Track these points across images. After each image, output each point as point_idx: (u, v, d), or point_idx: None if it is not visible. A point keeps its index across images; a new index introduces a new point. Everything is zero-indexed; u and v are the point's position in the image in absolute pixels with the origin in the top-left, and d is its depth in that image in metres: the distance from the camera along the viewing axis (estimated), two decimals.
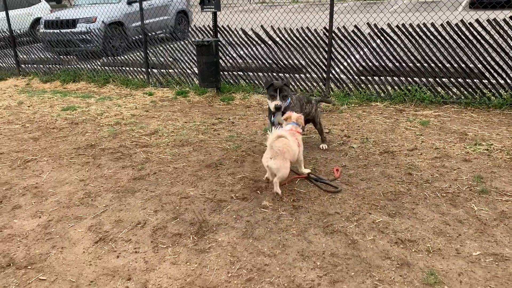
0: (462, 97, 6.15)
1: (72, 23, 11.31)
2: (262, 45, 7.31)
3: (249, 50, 7.39)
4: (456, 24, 5.94)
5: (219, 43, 7.43)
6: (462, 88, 6.13)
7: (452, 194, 3.58)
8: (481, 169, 4.03)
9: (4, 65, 10.23)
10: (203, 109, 6.61)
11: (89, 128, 5.77)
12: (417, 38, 6.21)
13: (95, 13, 11.26)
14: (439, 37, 6.10)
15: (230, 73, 7.70)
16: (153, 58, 8.37)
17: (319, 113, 4.85)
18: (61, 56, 9.76)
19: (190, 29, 7.84)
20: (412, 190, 3.67)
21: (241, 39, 7.43)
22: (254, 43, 7.35)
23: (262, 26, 7.20)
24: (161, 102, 7.14)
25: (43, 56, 9.80)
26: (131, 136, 5.36)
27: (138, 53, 8.75)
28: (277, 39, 7.13)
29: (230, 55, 7.57)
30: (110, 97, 7.55)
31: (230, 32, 7.46)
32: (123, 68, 8.87)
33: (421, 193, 3.61)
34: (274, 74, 7.33)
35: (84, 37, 10.62)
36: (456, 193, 3.59)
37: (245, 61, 7.50)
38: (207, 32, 7.65)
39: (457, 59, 6.05)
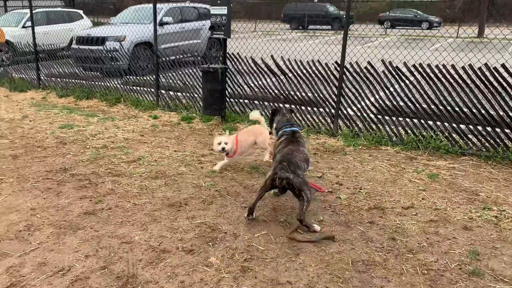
0: (483, 149, 5.45)
1: (102, 40, 11.43)
2: (271, 75, 6.93)
3: (258, 79, 7.02)
4: (480, 68, 5.32)
5: (228, 70, 7.12)
6: (482, 139, 5.44)
7: (436, 271, 2.96)
8: (482, 241, 3.37)
9: (27, 77, 10.39)
10: (200, 138, 6.26)
11: (73, 150, 5.53)
12: (435, 79, 5.62)
13: (125, 32, 11.33)
14: (460, 81, 5.48)
15: (238, 102, 7.34)
16: (162, 80, 8.16)
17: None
18: (77, 71, 9.76)
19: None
20: (389, 261, 3.08)
21: (250, 68, 7.08)
22: (263, 72, 6.98)
23: (272, 56, 6.83)
24: (162, 127, 6.86)
25: (61, 71, 9.86)
26: (110, 162, 5.06)
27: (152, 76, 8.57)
28: (287, 70, 6.73)
29: (238, 83, 7.23)
30: (113, 118, 7.36)
31: (240, 60, 7.14)
32: (135, 88, 8.72)
33: (399, 267, 3.02)
34: (281, 104, 6.89)
35: (111, 55, 10.63)
36: (441, 270, 2.97)
37: (253, 90, 7.13)
38: (218, 59, 7.37)
39: (479, 106, 5.40)
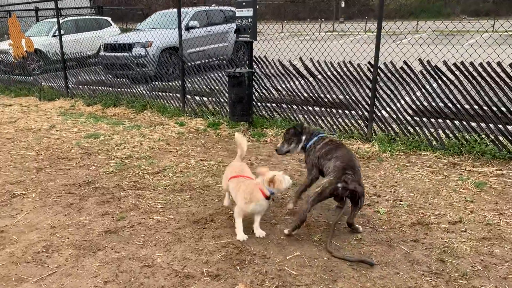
0: None
1: (129, 47, 11.38)
2: (300, 78, 6.62)
3: (286, 82, 6.72)
4: None
5: (254, 74, 6.85)
6: None
7: None
8: None
9: (56, 85, 10.45)
10: (228, 145, 6.01)
11: (97, 161, 5.39)
12: (479, 78, 5.17)
13: (152, 37, 11.25)
14: (507, 79, 5.02)
15: (265, 106, 7.06)
16: (188, 85, 7.97)
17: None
18: (104, 79, 9.71)
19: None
20: None
21: (277, 71, 6.79)
22: (292, 75, 6.67)
23: (300, 58, 6.52)
24: (188, 134, 6.66)
25: (88, 78, 9.86)
26: (134, 174, 4.87)
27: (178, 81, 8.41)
28: (316, 72, 6.40)
29: (265, 87, 6.95)
30: (139, 126, 7.22)
31: (267, 63, 6.86)
32: (161, 94, 8.58)
33: None
34: (310, 108, 6.58)
35: (138, 61, 10.57)
36: None
37: (281, 94, 6.84)
38: (245, 62, 7.11)
39: None
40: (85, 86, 9.86)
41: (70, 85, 10.11)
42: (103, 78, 9.79)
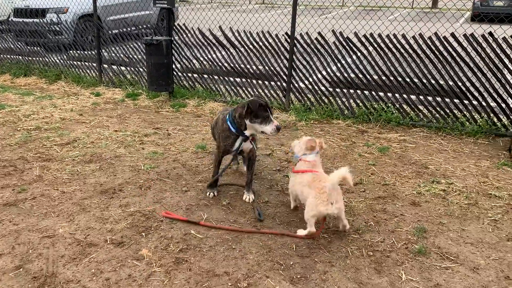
0: (433, 120, 5.40)
1: (42, 12, 10.57)
2: (220, 48, 6.57)
3: (207, 52, 6.65)
4: (430, 38, 5.20)
5: (174, 43, 6.69)
6: (433, 110, 5.38)
7: (381, 253, 2.83)
8: (429, 217, 3.28)
9: None
10: (145, 116, 5.88)
11: (1, 133, 5.04)
12: (386, 50, 5.47)
13: (67, 3, 10.51)
14: (410, 50, 5.35)
15: (187, 76, 6.96)
16: (105, 54, 7.62)
17: None
18: (12, 46, 8.98)
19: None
20: (334, 243, 2.93)
21: (197, 40, 6.68)
22: (212, 45, 6.60)
23: (220, 27, 6.45)
24: (104, 105, 6.41)
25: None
26: (41, 146, 4.63)
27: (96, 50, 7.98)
28: (236, 42, 6.38)
29: (186, 57, 6.83)
30: (51, 96, 6.82)
31: (186, 31, 6.71)
32: (77, 63, 8.12)
33: (344, 249, 2.86)
34: (232, 79, 6.59)
35: (53, 28, 9.84)
36: (388, 251, 2.84)
37: (202, 64, 6.76)
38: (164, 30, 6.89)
39: (429, 76, 5.31)
40: None
41: None
42: (12, 46, 9.03)
